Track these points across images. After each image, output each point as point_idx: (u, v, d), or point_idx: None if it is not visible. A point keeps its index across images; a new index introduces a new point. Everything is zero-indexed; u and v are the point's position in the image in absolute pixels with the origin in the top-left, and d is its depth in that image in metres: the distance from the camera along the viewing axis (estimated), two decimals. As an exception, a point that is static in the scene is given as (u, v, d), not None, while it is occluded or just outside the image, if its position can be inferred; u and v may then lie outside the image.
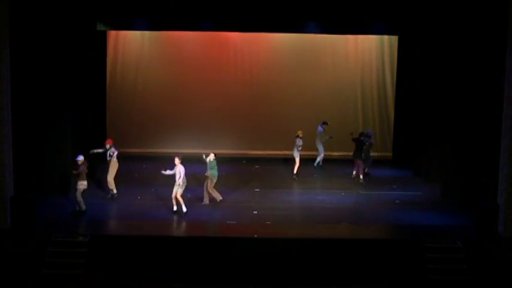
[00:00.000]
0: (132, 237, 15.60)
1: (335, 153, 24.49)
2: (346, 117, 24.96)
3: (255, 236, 15.77)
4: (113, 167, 18.44)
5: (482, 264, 15.02)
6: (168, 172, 17.50)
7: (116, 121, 24.50)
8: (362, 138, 21.11)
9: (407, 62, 22.87)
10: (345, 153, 24.79)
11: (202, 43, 24.61)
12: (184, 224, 16.89)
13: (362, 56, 25.03)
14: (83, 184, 17.06)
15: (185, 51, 24.79)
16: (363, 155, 20.96)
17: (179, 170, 17.26)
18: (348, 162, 24.05)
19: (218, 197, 18.28)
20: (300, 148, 21.32)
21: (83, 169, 17.08)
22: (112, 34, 24.25)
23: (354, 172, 21.02)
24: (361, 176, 20.86)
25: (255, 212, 17.60)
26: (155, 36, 24.66)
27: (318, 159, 22.73)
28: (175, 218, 17.18)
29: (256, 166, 22.33)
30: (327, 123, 22.83)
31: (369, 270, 15.11)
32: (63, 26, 18.58)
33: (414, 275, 15.06)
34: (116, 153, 18.38)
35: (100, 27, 20.69)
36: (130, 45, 24.82)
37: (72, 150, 19.43)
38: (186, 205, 17.36)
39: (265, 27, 20.94)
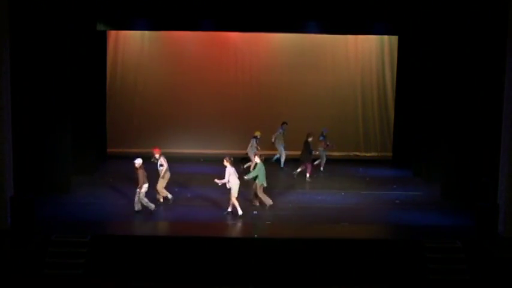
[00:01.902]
0: (132, 237, 15.60)
1: (335, 153, 24.48)
2: (346, 117, 24.98)
3: (255, 236, 15.77)
4: (163, 176, 17.96)
5: (482, 264, 15.02)
6: (222, 181, 17.07)
7: (116, 121, 24.50)
8: (309, 139, 21.23)
9: (407, 62, 22.87)
10: (345, 153, 24.90)
11: (202, 43, 24.60)
12: (184, 224, 16.87)
13: (362, 56, 25.03)
14: (144, 187, 16.93)
15: (185, 51, 24.78)
16: (310, 157, 21.29)
17: (228, 172, 17.01)
18: (348, 162, 24.17)
19: (268, 202, 17.98)
20: (256, 149, 21.63)
21: (143, 172, 16.95)
22: (112, 34, 24.25)
23: (299, 170, 21.10)
24: (307, 175, 21.03)
25: (255, 212, 17.59)
26: (155, 36, 24.66)
27: (282, 159, 22.91)
28: (175, 218, 17.17)
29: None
30: (286, 124, 22.97)
31: (369, 270, 15.11)
32: (63, 26, 18.58)
33: (414, 275, 15.05)
34: (164, 161, 17.90)
35: (100, 27, 20.67)
36: (130, 45, 24.82)
37: (72, 150, 19.47)
38: (236, 208, 17.08)
39: (265, 27, 20.92)
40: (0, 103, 15.65)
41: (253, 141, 21.86)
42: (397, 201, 19.08)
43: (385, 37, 24.39)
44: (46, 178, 18.63)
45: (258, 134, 22.03)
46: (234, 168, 17.12)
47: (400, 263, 15.19)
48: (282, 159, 22.88)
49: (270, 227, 16.64)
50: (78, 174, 20.15)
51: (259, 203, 18.05)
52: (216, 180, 17.15)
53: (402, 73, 23.32)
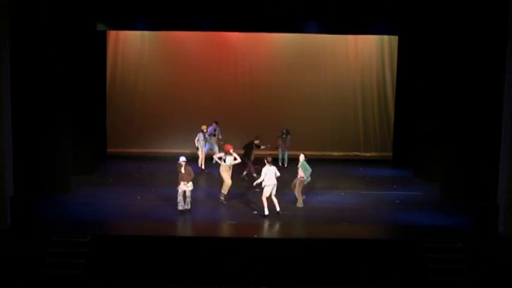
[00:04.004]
0: (132, 237, 15.59)
1: (335, 153, 24.50)
2: (346, 117, 24.99)
3: (255, 236, 15.78)
4: (228, 172, 18.43)
5: (482, 264, 15.02)
6: (258, 180, 17.44)
7: (116, 121, 24.51)
8: (256, 142, 21.27)
9: (407, 62, 22.89)
10: (345, 153, 24.89)
11: (202, 43, 24.60)
12: (184, 224, 16.88)
13: (362, 56, 25.03)
14: (186, 185, 17.10)
15: (185, 52, 24.79)
16: (251, 156, 21.26)
17: (264, 171, 17.21)
18: (348, 162, 24.16)
19: (300, 203, 18.22)
20: (203, 143, 22.02)
21: (189, 169, 17.08)
22: (112, 34, 24.26)
23: (245, 173, 21.05)
24: (244, 173, 20.93)
25: (255, 212, 17.59)
26: (155, 36, 24.67)
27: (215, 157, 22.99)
28: (175, 218, 17.16)
29: (257, 166, 22.29)
30: (217, 123, 23.28)
31: (369, 270, 15.11)
32: (63, 26, 18.60)
33: (414, 275, 15.06)
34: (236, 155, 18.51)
35: (100, 27, 20.68)
36: (131, 45, 24.83)
37: (72, 150, 19.47)
38: (264, 207, 17.18)
39: (265, 27, 20.92)
40: (0, 103, 15.65)
41: (199, 136, 22.19)
42: (397, 201, 19.08)
43: (385, 37, 24.39)
44: (46, 178, 18.64)
45: (204, 128, 22.43)
46: (273, 168, 17.27)
47: (400, 263, 15.19)
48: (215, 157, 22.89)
49: (270, 227, 16.65)
50: (78, 174, 20.15)
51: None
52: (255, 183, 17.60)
53: (402, 73, 23.34)
